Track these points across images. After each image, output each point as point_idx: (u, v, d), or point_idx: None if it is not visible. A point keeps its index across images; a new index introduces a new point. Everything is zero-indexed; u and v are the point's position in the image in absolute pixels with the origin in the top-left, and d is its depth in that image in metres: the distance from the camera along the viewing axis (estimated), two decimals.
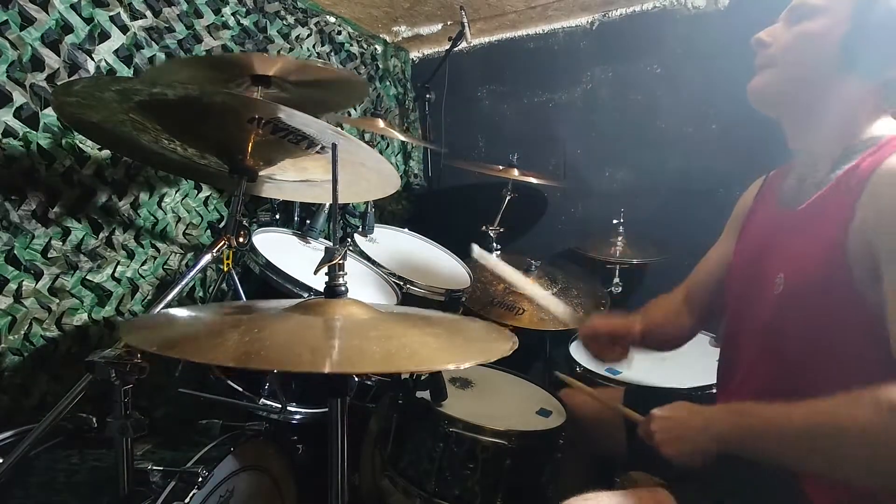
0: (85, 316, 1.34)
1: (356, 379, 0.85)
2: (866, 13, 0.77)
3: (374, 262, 1.57)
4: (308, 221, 1.60)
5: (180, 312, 0.76)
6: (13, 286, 1.20)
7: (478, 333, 0.80)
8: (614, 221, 1.93)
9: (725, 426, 0.79)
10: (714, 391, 1.31)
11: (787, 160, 1.03)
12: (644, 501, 0.81)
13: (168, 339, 0.64)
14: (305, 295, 1.23)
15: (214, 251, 1.01)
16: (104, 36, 1.34)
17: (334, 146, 0.79)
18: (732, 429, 0.78)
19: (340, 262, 0.75)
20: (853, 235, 0.73)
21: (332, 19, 2.10)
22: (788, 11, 0.87)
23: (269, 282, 1.27)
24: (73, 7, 1.27)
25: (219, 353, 0.57)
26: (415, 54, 2.58)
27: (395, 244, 1.83)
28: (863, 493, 0.75)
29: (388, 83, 2.46)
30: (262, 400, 1.24)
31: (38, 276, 1.24)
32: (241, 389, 1.25)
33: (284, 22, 1.87)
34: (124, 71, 1.38)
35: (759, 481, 0.81)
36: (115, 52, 1.36)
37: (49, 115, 1.23)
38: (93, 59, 1.32)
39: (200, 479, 0.86)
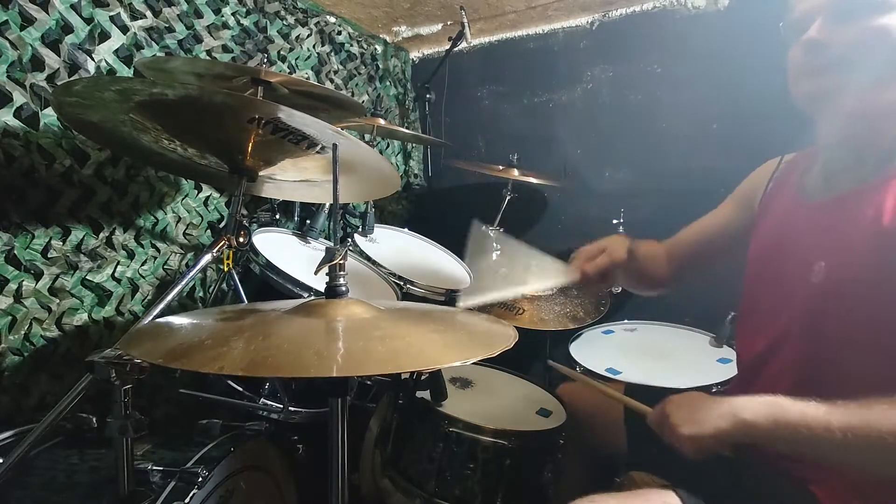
0: (85, 316, 1.34)
1: (356, 379, 0.85)
2: None
3: (374, 262, 1.57)
4: (308, 221, 1.60)
5: (181, 320, 0.75)
6: (13, 286, 1.20)
7: (479, 326, 0.79)
8: (614, 221, 1.93)
9: (757, 416, 0.74)
10: (714, 391, 1.31)
11: (797, 151, 1.02)
12: (651, 503, 0.81)
13: (173, 350, 0.64)
14: (306, 295, 1.23)
15: (214, 251, 1.01)
16: (104, 36, 1.34)
17: (334, 146, 0.79)
18: (765, 420, 0.74)
19: (341, 262, 0.75)
20: None
21: (333, 19, 2.10)
22: (835, 5, 0.79)
23: (269, 282, 1.27)
24: (73, 7, 1.27)
25: (226, 363, 0.56)
26: (415, 54, 2.58)
27: (395, 244, 1.83)
28: (871, 493, 0.75)
29: (388, 83, 2.46)
30: (262, 400, 1.24)
31: (38, 276, 1.24)
32: (241, 389, 1.25)
33: (284, 22, 1.87)
34: (124, 71, 1.38)
35: (765, 482, 0.81)
36: (116, 52, 1.36)
37: (49, 115, 1.23)
38: (93, 59, 1.32)
39: (200, 479, 0.86)
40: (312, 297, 0.96)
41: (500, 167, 1.92)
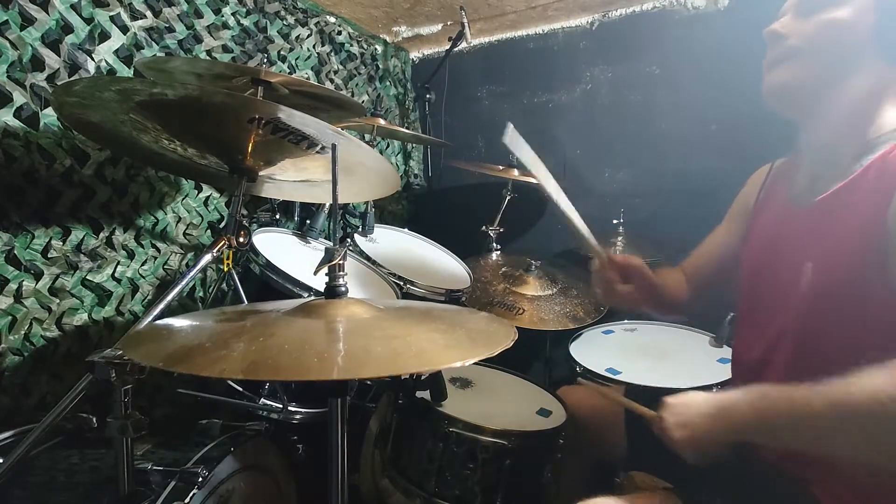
0: (85, 316, 1.34)
1: (356, 379, 0.85)
2: None
3: (374, 262, 1.57)
4: (308, 221, 1.61)
5: (180, 322, 0.75)
6: (13, 286, 1.20)
7: (479, 325, 0.79)
8: (614, 221, 1.93)
9: (744, 411, 0.75)
10: (714, 391, 1.31)
11: (789, 155, 1.02)
12: None
13: (173, 353, 0.63)
14: (305, 295, 1.23)
15: (214, 251, 1.01)
16: (104, 36, 1.34)
17: (334, 146, 0.79)
18: (751, 413, 0.74)
19: (340, 262, 0.75)
20: (893, 217, 0.72)
21: (333, 19, 2.10)
22: (798, 2, 0.84)
23: (269, 282, 1.27)
24: (73, 7, 1.27)
25: (227, 366, 0.56)
26: (415, 54, 2.58)
27: (395, 244, 1.83)
28: (871, 494, 0.75)
29: (388, 83, 2.46)
30: (262, 400, 1.24)
31: (38, 276, 1.24)
32: (241, 389, 1.25)
33: (284, 22, 1.87)
34: (124, 71, 1.38)
35: (766, 483, 0.81)
36: (116, 52, 1.36)
37: (49, 115, 1.23)
38: (93, 59, 1.32)
39: (200, 479, 0.86)
40: (312, 297, 0.96)
41: (500, 167, 1.92)
